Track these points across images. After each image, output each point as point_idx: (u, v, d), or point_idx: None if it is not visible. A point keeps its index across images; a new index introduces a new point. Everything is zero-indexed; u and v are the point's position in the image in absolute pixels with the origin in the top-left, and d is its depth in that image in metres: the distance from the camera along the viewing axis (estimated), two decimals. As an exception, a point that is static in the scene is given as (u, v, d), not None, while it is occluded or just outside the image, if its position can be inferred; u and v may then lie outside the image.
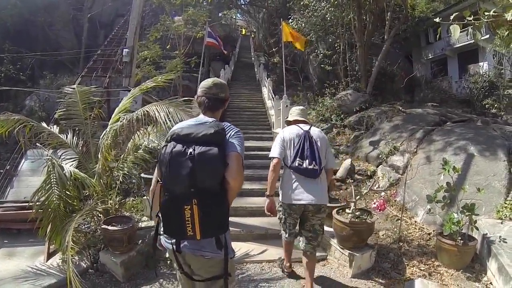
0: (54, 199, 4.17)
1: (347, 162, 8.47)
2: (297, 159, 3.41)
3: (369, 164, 8.73)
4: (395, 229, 5.52)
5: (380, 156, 8.51)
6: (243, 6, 23.89)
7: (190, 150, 1.81)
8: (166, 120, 3.88)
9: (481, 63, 17.86)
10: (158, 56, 12.51)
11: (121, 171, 4.98)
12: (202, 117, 2.19)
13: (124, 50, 8.01)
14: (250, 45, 30.34)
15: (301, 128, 3.61)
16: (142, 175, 5.29)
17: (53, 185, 4.19)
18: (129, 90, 7.22)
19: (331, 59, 14.20)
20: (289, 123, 3.85)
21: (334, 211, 4.46)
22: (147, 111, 4.09)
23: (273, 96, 11.79)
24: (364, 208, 4.58)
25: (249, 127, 11.02)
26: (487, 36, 17.29)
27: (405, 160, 7.94)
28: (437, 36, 18.05)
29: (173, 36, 13.82)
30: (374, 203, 4.20)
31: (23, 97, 15.52)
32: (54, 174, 4.19)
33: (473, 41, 17.87)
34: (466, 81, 17.26)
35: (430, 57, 21.48)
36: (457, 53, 20.00)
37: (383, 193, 5.74)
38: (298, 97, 14.83)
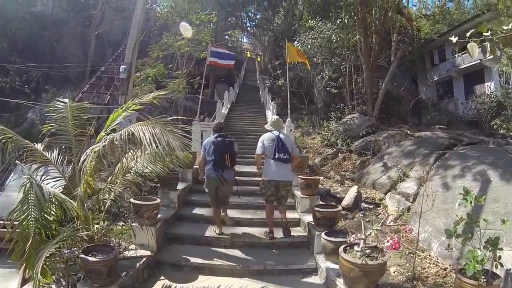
0: (31, 222, 3.69)
1: (353, 190, 7.92)
2: (277, 153, 5.18)
3: (376, 192, 8.19)
4: (408, 264, 4.97)
5: (389, 182, 7.98)
6: (249, 28, 23.87)
7: (226, 139, 5.32)
8: (151, 142, 3.40)
9: (487, 83, 17.40)
10: (161, 75, 12.02)
11: (107, 195, 4.49)
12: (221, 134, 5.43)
13: (121, 66, 7.64)
14: (256, 68, 30.27)
15: (273, 134, 5.39)
16: (132, 200, 4.78)
17: (30, 206, 3.73)
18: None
19: (336, 82, 13.82)
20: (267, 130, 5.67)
21: (341, 249, 3.90)
22: (131, 131, 3.62)
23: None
24: (375, 245, 4.01)
25: (252, 151, 10.33)
26: (492, 56, 16.93)
27: (416, 187, 7.40)
28: (452, 51, 17.46)
29: (176, 55, 13.33)
30: (388, 241, 3.64)
31: (26, 109, 15.27)
32: (32, 194, 3.74)
33: (479, 61, 17.55)
34: (473, 102, 16.82)
35: (436, 79, 21.05)
36: (462, 74, 19.52)
37: (393, 225, 5.14)
38: (303, 121, 14.40)
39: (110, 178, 4.48)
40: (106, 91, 12.97)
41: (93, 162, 3.91)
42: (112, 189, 4.38)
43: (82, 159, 3.92)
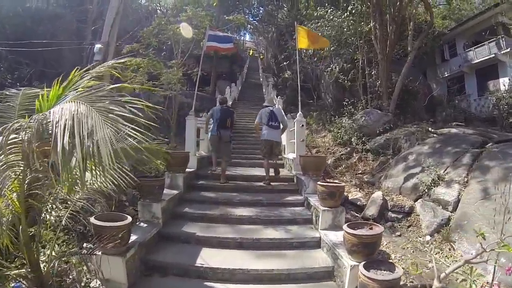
0: None
1: (377, 197, 6.47)
2: (269, 121, 6.61)
3: (404, 198, 6.71)
4: (464, 298, 3.54)
5: (419, 187, 6.50)
6: (252, 21, 22.29)
7: (229, 109, 7.32)
8: (64, 132, 1.87)
9: (502, 79, 15.95)
10: (154, 66, 10.22)
11: (50, 214, 3.06)
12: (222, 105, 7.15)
13: (96, 45, 6.06)
14: (258, 66, 28.89)
15: (269, 108, 6.83)
16: (92, 220, 3.31)
17: None
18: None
19: (348, 74, 12.20)
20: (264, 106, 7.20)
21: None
22: (46, 115, 2.13)
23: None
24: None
25: (256, 151, 8.89)
26: (508, 49, 15.56)
27: (455, 193, 5.92)
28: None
29: (175, 49, 11.43)
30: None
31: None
32: None
33: (493, 55, 16.24)
34: (487, 99, 15.41)
35: (446, 75, 19.56)
36: (475, 70, 18.07)
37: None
38: (312, 118, 12.83)
39: (54, 190, 3.02)
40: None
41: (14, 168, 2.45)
42: (54, 205, 2.93)
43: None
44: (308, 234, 4.46)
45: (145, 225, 4.27)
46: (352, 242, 3.30)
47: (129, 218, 3.37)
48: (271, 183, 6.60)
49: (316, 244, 4.34)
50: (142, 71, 9.80)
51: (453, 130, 9.39)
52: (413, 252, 5.08)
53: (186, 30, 10.52)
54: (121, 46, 12.24)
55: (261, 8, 22.42)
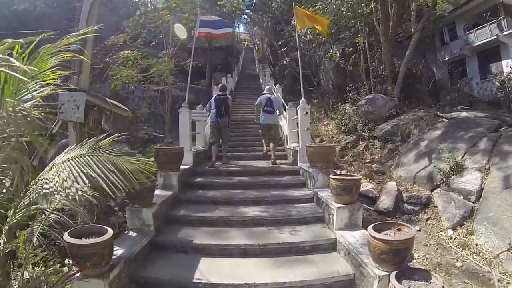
0: None
1: (391, 187, 5.90)
2: (265, 107, 7.35)
3: (419, 188, 6.13)
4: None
5: (436, 176, 5.92)
6: (247, 11, 21.43)
7: (222, 97, 7.18)
8: None
9: (505, 61, 15.29)
10: (145, 57, 9.47)
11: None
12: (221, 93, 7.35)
13: (71, 34, 5.43)
14: (254, 57, 28.23)
15: (267, 95, 7.55)
16: (65, 237, 2.68)
17: None
18: (76, 91, 4.81)
19: (349, 59, 11.51)
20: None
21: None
22: None
23: (284, 104, 8.84)
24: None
25: (256, 143, 8.49)
26: (510, 31, 14.88)
27: (478, 181, 5.35)
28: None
29: (161, 34, 10.59)
30: None
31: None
32: None
33: (495, 37, 15.52)
34: (489, 81, 14.79)
35: (447, 58, 18.82)
36: (476, 52, 17.30)
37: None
38: (313, 105, 12.17)
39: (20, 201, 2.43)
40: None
41: None
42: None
43: None
44: (322, 235, 3.86)
45: (135, 234, 3.66)
46: (380, 249, 2.70)
47: (110, 232, 2.76)
48: (274, 176, 6.21)
49: (332, 246, 3.74)
50: (131, 63, 9.07)
51: (463, 114, 8.80)
52: (437, 249, 4.52)
53: (179, 31, 9.78)
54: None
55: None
